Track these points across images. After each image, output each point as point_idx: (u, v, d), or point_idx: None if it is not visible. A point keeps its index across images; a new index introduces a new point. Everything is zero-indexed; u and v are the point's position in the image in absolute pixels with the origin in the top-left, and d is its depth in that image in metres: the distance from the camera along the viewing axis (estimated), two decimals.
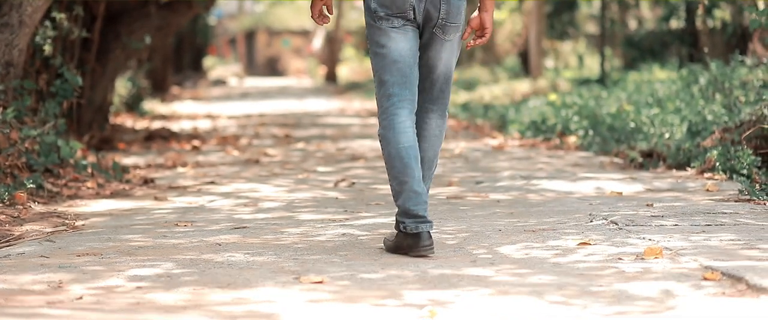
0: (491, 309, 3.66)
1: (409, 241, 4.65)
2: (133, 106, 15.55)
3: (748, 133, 7.23)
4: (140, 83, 16.69)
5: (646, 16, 19.78)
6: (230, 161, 9.36)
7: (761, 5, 8.29)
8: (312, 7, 4.90)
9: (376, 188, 7.22)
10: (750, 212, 5.69)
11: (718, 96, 9.13)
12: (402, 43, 4.73)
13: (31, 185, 6.64)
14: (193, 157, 9.68)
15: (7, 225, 5.73)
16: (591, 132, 9.83)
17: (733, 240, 4.84)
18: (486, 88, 18.41)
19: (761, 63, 9.11)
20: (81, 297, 3.93)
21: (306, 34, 39.87)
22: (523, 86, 17.60)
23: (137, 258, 4.73)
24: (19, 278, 4.31)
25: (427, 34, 4.78)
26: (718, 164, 7.18)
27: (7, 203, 6.28)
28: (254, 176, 8.16)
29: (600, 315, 3.57)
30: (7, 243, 5.23)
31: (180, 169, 8.64)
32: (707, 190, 6.59)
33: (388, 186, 5.38)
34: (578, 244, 4.84)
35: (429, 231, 4.65)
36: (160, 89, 20.49)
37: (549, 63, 21.82)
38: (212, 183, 7.69)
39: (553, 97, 12.90)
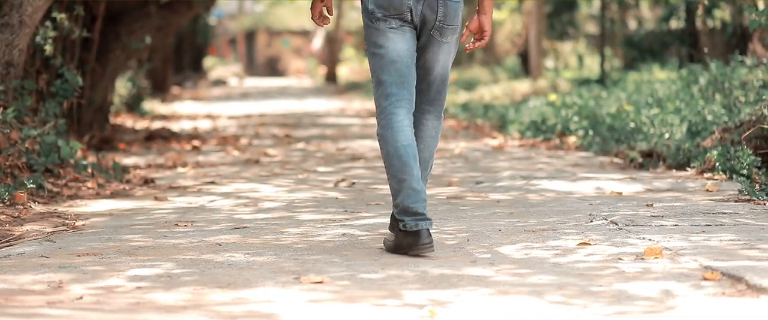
0: (491, 309, 3.66)
1: (408, 239, 4.65)
2: (133, 106, 15.55)
3: (748, 133, 7.23)
4: (140, 83, 16.69)
5: (646, 16, 19.78)
6: (230, 161, 9.36)
7: (761, 5, 8.29)
8: (312, 8, 4.92)
9: (376, 188, 7.22)
10: (750, 212, 5.69)
11: (718, 96, 9.13)
12: (400, 43, 4.76)
13: (32, 185, 6.64)
14: (193, 157, 9.68)
15: (7, 225, 5.73)
16: (591, 132, 9.83)
17: (733, 240, 4.84)
18: (486, 88, 18.41)
19: (761, 63, 9.11)
20: (81, 297, 3.93)
21: (306, 34, 39.87)
22: (523, 86, 17.60)
23: (137, 258, 4.73)
24: (19, 278, 4.31)
25: (424, 36, 4.81)
26: (718, 164, 7.18)
27: (8, 203, 6.28)
28: (254, 176, 8.16)
29: (600, 315, 3.57)
30: (8, 243, 5.23)
31: (180, 169, 8.64)
32: (707, 190, 6.59)
33: (388, 186, 5.39)
34: (578, 244, 4.84)
35: (428, 229, 4.65)
36: (160, 89, 20.49)
37: (549, 63, 21.82)
38: (212, 183, 7.70)
39: (553, 97, 12.90)
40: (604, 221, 5.49)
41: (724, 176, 7.10)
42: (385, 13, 4.74)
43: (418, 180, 4.67)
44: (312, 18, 4.93)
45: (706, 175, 7.27)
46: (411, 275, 4.25)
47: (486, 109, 14.18)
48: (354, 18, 31.87)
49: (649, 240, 4.88)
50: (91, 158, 8.25)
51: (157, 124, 13.72)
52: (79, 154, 7.91)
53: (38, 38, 8.25)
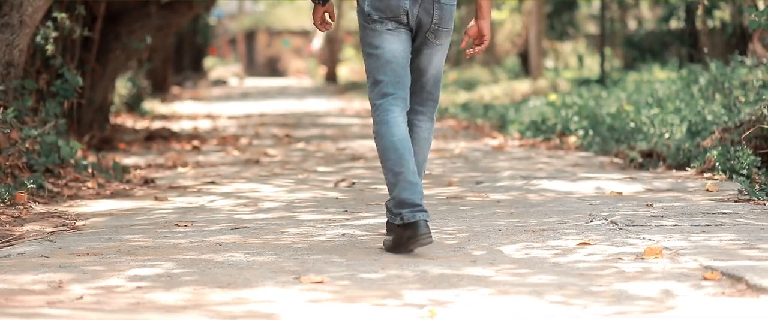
0: (491, 309, 3.66)
1: (408, 232, 4.65)
2: (133, 106, 15.55)
3: (747, 133, 7.23)
4: (140, 83, 16.69)
5: (646, 16, 19.78)
6: (230, 161, 9.36)
7: (761, 5, 8.29)
8: (314, 14, 4.95)
9: (376, 188, 7.22)
10: (750, 212, 5.69)
11: (718, 96, 9.13)
12: (395, 44, 4.81)
13: (32, 185, 6.64)
14: (193, 157, 9.68)
15: (7, 225, 5.73)
16: (591, 132, 9.83)
17: (733, 240, 4.84)
18: (486, 88, 18.41)
19: (761, 63, 9.11)
20: (81, 297, 3.94)
21: (306, 34, 39.86)
22: (523, 86, 17.60)
23: (137, 258, 4.73)
24: (20, 278, 4.31)
25: (419, 38, 4.87)
26: (717, 164, 7.18)
27: (8, 203, 6.28)
28: (254, 176, 8.16)
29: (600, 315, 3.57)
30: (8, 243, 5.23)
31: (180, 169, 8.64)
32: (707, 190, 6.59)
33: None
34: (578, 244, 4.84)
35: (426, 221, 4.65)
36: (160, 89, 20.49)
37: (549, 63, 21.82)
38: (212, 183, 7.70)
39: (553, 97, 12.90)
40: (604, 221, 5.49)
41: (724, 176, 7.10)
42: (382, 15, 4.78)
43: (414, 174, 4.70)
44: (314, 23, 4.97)
45: (706, 175, 7.27)
46: (411, 275, 4.25)
47: (486, 109, 14.18)
48: (354, 18, 31.84)
49: (649, 240, 4.88)
50: (91, 158, 8.25)
51: (157, 124, 13.72)
52: (79, 154, 7.91)
53: (39, 38, 8.25)
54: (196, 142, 11.09)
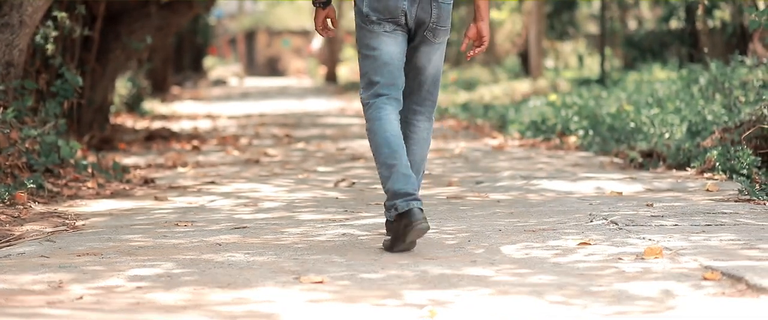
0: (491, 309, 3.66)
1: (403, 221, 4.66)
2: (133, 106, 15.55)
3: (748, 133, 7.23)
4: (140, 83, 16.69)
5: (646, 16, 19.78)
6: (230, 161, 9.36)
7: (761, 5, 8.29)
8: (315, 17, 4.97)
9: (376, 188, 7.22)
10: (750, 212, 5.69)
11: (718, 96, 9.13)
12: (392, 46, 4.84)
13: (32, 185, 6.64)
14: (193, 157, 9.68)
15: (7, 225, 5.73)
16: (591, 132, 9.83)
17: (733, 240, 4.84)
18: (486, 88, 18.41)
19: (761, 63, 9.11)
20: (81, 297, 3.93)
21: (306, 34, 39.86)
22: (523, 86, 17.60)
23: (137, 258, 4.73)
24: (20, 278, 4.31)
25: (418, 37, 4.89)
26: (718, 164, 7.18)
27: (8, 203, 6.28)
28: (254, 176, 8.16)
29: (600, 315, 3.57)
30: (8, 243, 5.23)
31: (180, 169, 8.64)
32: (707, 190, 6.59)
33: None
34: (578, 244, 4.84)
35: (421, 209, 4.66)
36: (160, 89, 20.49)
37: (549, 63, 21.82)
38: (212, 183, 7.70)
39: (553, 97, 12.89)
40: (604, 221, 5.49)
41: (724, 176, 7.10)
42: (380, 16, 4.81)
43: (407, 167, 4.71)
44: (316, 28, 5.00)
45: (706, 175, 7.27)
46: (411, 275, 4.25)
47: (486, 109, 14.18)
48: (354, 18, 31.85)
49: (649, 240, 4.88)
50: (91, 158, 8.25)
51: (157, 124, 13.72)
52: (79, 153, 7.91)
53: (38, 38, 8.25)
54: (196, 142, 11.09)
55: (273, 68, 41.35)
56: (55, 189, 6.92)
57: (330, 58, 30.89)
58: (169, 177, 8.10)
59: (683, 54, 16.01)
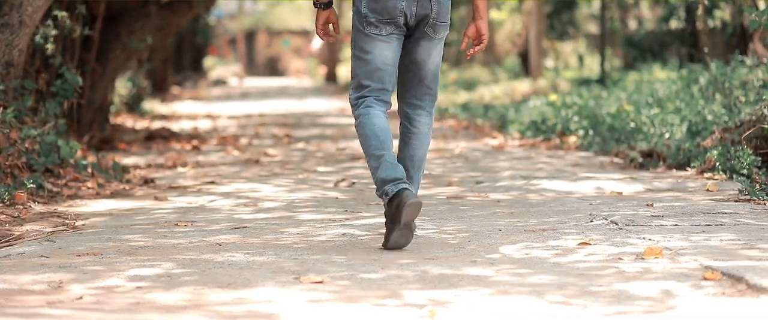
0: (491, 309, 3.66)
1: (395, 202, 4.70)
2: (133, 106, 15.55)
3: (748, 133, 7.23)
4: (140, 83, 16.69)
5: (646, 16, 19.77)
6: (230, 161, 9.36)
7: (761, 5, 8.29)
8: (316, 21, 5.00)
9: None
10: (750, 212, 5.69)
11: (718, 96, 9.12)
12: (386, 51, 4.91)
13: (32, 185, 6.64)
14: (193, 157, 9.68)
15: (7, 225, 5.73)
16: (591, 132, 9.83)
17: (733, 240, 4.84)
18: (486, 88, 18.41)
19: (761, 63, 9.11)
20: (81, 297, 3.93)
21: (306, 34, 39.87)
22: (523, 86, 17.60)
23: (137, 258, 4.73)
24: (19, 278, 4.31)
25: (418, 33, 4.94)
26: (718, 164, 7.18)
27: (8, 203, 6.28)
28: (254, 176, 8.16)
29: (600, 315, 3.57)
30: (7, 243, 5.23)
31: (180, 169, 8.64)
32: (707, 190, 6.59)
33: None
34: (578, 244, 4.84)
35: (410, 190, 4.71)
36: (160, 89, 20.49)
37: (549, 63, 21.82)
38: (212, 183, 7.70)
39: (553, 97, 12.89)
40: (604, 221, 5.49)
41: (724, 176, 7.10)
42: (379, 18, 4.86)
43: (394, 157, 4.81)
44: (317, 31, 5.04)
45: (706, 175, 7.27)
46: (411, 275, 4.25)
47: (486, 109, 14.18)
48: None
49: (649, 240, 4.88)
50: (91, 158, 8.25)
51: (157, 124, 13.72)
52: (79, 153, 7.91)
53: (38, 37, 8.24)
54: (196, 142, 11.09)
55: (273, 68, 41.36)
56: (55, 189, 6.92)
57: (330, 58, 30.90)
58: (169, 177, 8.10)
59: (683, 54, 16.00)
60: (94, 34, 9.80)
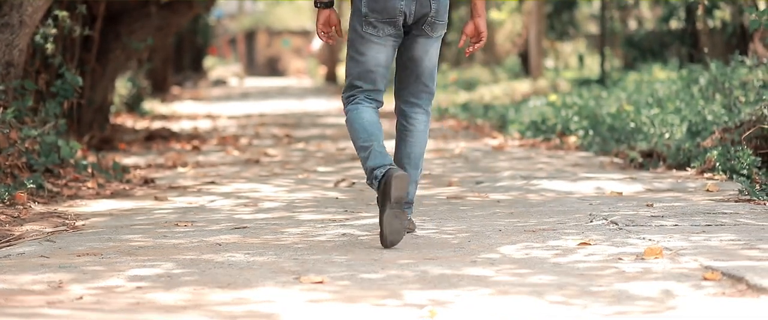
0: (491, 309, 3.66)
1: (384, 180, 4.74)
2: (133, 106, 15.55)
3: (748, 133, 7.23)
4: (140, 83, 16.69)
5: (646, 16, 19.77)
6: (230, 161, 9.36)
7: (761, 5, 8.28)
8: (317, 19, 5.04)
9: None
10: (750, 212, 5.69)
11: (718, 96, 9.12)
12: (381, 54, 4.99)
13: (32, 185, 6.64)
14: (193, 157, 9.68)
15: (7, 225, 5.73)
16: (591, 132, 9.83)
17: (733, 240, 4.84)
18: (486, 88, 18.41)
19: (761, 63, 9.11)
20: (81, 297, 3.93)
21: (306, 34, 39.86)
22: (523, 86, 17.60)
23: (137, 258, 4.73)
24: (19, 278, 4.31)
25: (416, 30, 5.00)
26: (718, 164, 7.18)
27: (8, 203, 6.28)
28: (254, 176, 8.16)
29: (600, 315, 3.57)
30: (7, 243, 5.23)
31: (180, 169, 8.64)
32: (707, 190, 6.59)
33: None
34: (578, 244, 4.84)
35: (396, 167, 4.79)
36: (160, 89, 20.49)
37: (549, 63, 21.82)
38: (212, 183, 7.70)
39: (553, 97, 12.89)
40: (604, 221, 5.49)
41: (724, 176, 7.10)
42: (378, 17, 4.92)
43: (382, 147, 4.87)
44: (317, 33, 5.08)
45: (706, 175, 7.27)
46: (411, 275, 4.25)
47: (486, 109, 14.18)
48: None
49: (649, 240, 4.88)
50: (91, 158, 8.25)
51: (157, 124, 13.72)
52: (79, 154, 7.91)
53: (38, 37, 8.24)
54: (196, 142, 11.09)
55: (273, 68, 41.35)
56: (55, 189, 6.92)
57: (330, 58, 30.89)
58: (169, 178, 8.10)
59: (683, 54, 16.00)
60: (94, 34, 9.80)
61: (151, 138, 11.50)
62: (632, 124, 9.32)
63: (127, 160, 9.14)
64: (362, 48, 4.97)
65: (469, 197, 6.68)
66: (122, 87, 15.50)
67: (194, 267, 4.47)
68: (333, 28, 5.08)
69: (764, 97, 7.46)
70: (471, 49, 5.10)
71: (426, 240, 5.06)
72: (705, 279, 4.03)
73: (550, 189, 6.93)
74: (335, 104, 19.60)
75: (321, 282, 4.12)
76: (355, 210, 6.20)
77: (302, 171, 8.42)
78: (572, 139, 10.06)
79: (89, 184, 7.22)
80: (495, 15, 21.98)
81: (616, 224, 5.37)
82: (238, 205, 6.51)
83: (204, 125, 14.09)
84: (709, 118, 8.44)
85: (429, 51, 5.03)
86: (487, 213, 5.95)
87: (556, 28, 21.41)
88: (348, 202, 6.56)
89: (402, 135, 5.12)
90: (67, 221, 5.90)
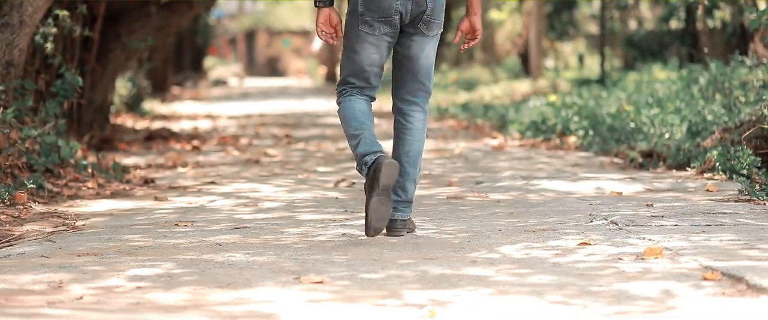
0: (491, 309, 3.66)
1: (374, 167, 4.78)
2: (133, 106, 15.55)
3: (748, 133, 7.23)
4: (140, 83, 16.69)
5: (646, 16, 19.77)
6: (230, 161, 9.36)
7: (761, 5, 8.28)
8: (316, 20, 5.07)
9: None
10: (750, 212, 5.69)
11: (718, 96, 9.12)
12: (374, 54, 5.04)
13: (32, 185, 6.64)
14: (193, 157, 9.68)
15: (7, 225, 5.73)
16: (591, 132, 9.83)
17: (733, 240, 4.84)
18: (486, 88, 18.41)
19: (761, 63, 9.11)
20: (81, 297, 3.93)
21: (306, 34, 39.87)
22: (523, 86, 17.60)
23: (137, 258, 4.73)
24: (20, 278, 4.31)
25: (411, 29, 5.03)
26: (718, 164, 7.18)
27: (8, 203, 6.28)
28: (254, 176, 8.17)
29: (600, 315, 3.57)
30: (8, 243, 5.23)
31: (180, 169, 8.64)
32: (707, 190, 6.59)
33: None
34: (578, 244, 4.84)
35: (386, 155, 4.83)
36: (160, 89, 20.49)
37: (549, 63, 21.82)
38: (212, 183, 7.70)
39: (553, 97, 12.89)
40: (604, 221, 5.49)
41: (724, 176, 7.10)
42: (374, 16, 4.96)
43: (372, 135, 4.92)
44: (317, 32, 5.09)
45: (706, 175, 7.27)
46: (411, 275, 4.25)
47: (486, 109, 14.18)
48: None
49: (649, 240, 4.88)
50: (91, 158, 8.25)
51: (157, 124, 13.72)
52: (79, 154, 7.91)
53: (38, 37, 8.24)
54: (196, 142, 11.09)
55: (273, 68, 41.36)
56: (55, 190, 6.92)
57: (330, 58, 30.90)
58: (169, 178, 8.10)
59: (683, 54, 16.00)
60: (94, 34, 9.80)
61: (151, 138, 11.50)
62: (632, 124, 9.32)
63: (127, 160, 9.15)
64: (357, 46, 5.01)
65: (469, 197, 6.68)
66: (122, 87, 15.50)
67: (194, 267, 4.47)
68: (334, 28, 5.08)
69: (764, 97, 7.46)
70: (466, 45, 5.18)
71: (426, 240, 5.06)
72: (705, 279, 4.03)
73: (550, 189, 6.93)
74: (335, 104, 19.58)
75: (321, 282, 4.12)
76: (355, 210, 6.20)
77: (302, 172, 8.42)
78: (572, 139, 10.06)
79: (89, 184, 7.22)
80: (495, 15, 21.98)
81: (616, 224, 5.37)
82: (238, 205, 6.51)
83: (204, 125, 14.09)
84: (709, 118, 8.44)
85: (425, 49, 5.06)
86: (487, 213, 5.95)
87: (556, 28, 21.41)
88: (348, 202, 6.56)
89: (400, 133, 5.13)
90: (67, 221, 5.90)
